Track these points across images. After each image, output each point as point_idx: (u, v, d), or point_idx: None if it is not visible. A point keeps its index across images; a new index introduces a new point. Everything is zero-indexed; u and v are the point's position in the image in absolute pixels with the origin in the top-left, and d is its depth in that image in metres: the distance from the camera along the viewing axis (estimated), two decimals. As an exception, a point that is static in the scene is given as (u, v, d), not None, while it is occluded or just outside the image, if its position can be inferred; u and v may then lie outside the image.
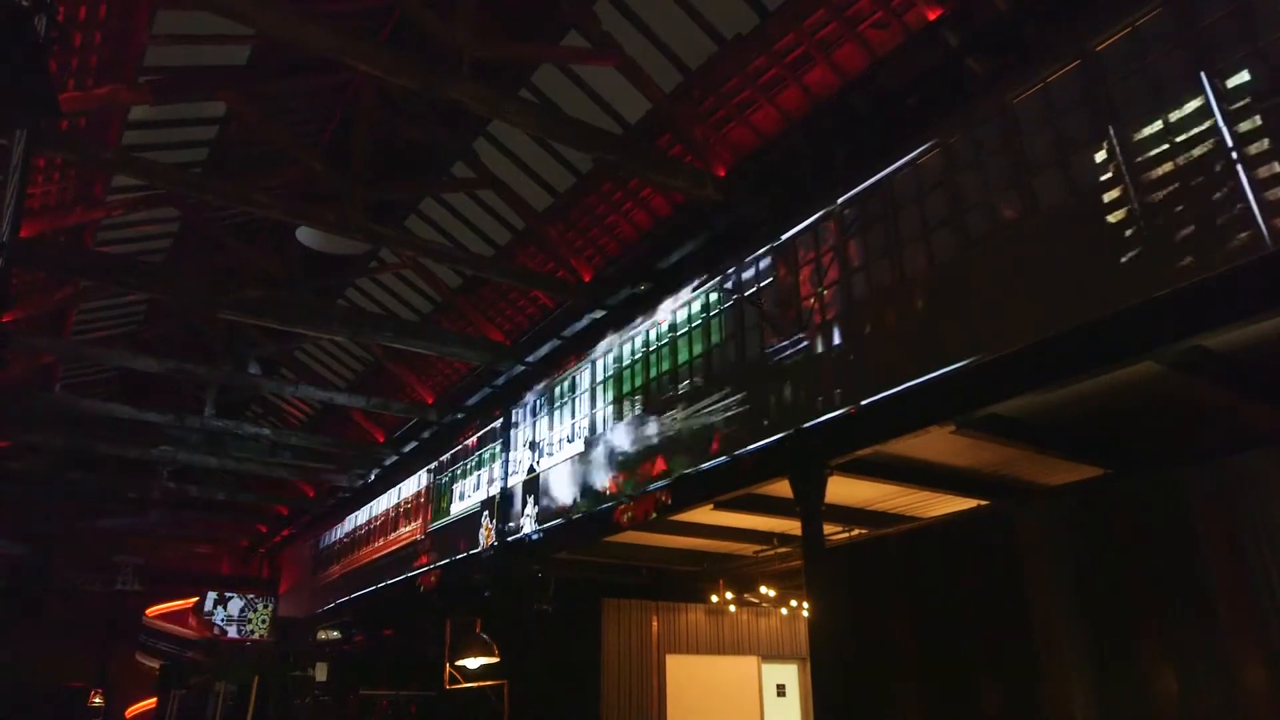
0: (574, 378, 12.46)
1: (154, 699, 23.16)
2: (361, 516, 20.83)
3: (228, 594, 25.53)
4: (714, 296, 10.07)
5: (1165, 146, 6.07)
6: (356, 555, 20.51)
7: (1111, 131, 6.41)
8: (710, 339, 10.03)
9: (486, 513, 14.26)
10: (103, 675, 24.29)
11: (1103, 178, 6.40)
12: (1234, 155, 5.67)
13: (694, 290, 10.22)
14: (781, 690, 16.86)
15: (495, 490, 14.09)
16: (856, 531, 11.42)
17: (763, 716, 16.18)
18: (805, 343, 8.68)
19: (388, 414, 17.41)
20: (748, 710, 16.09)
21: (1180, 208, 5.91)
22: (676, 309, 10.47)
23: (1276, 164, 5.50)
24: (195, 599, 25.49)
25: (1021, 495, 9.70)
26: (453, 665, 13.89)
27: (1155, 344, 6.00)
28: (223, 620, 25.03)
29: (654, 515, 10.30)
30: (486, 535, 14.06)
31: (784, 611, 16.84)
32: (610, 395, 11.55)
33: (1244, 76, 5.78)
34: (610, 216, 11.73)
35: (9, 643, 23.58)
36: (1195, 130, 5.92)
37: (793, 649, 17.07)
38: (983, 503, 9.80)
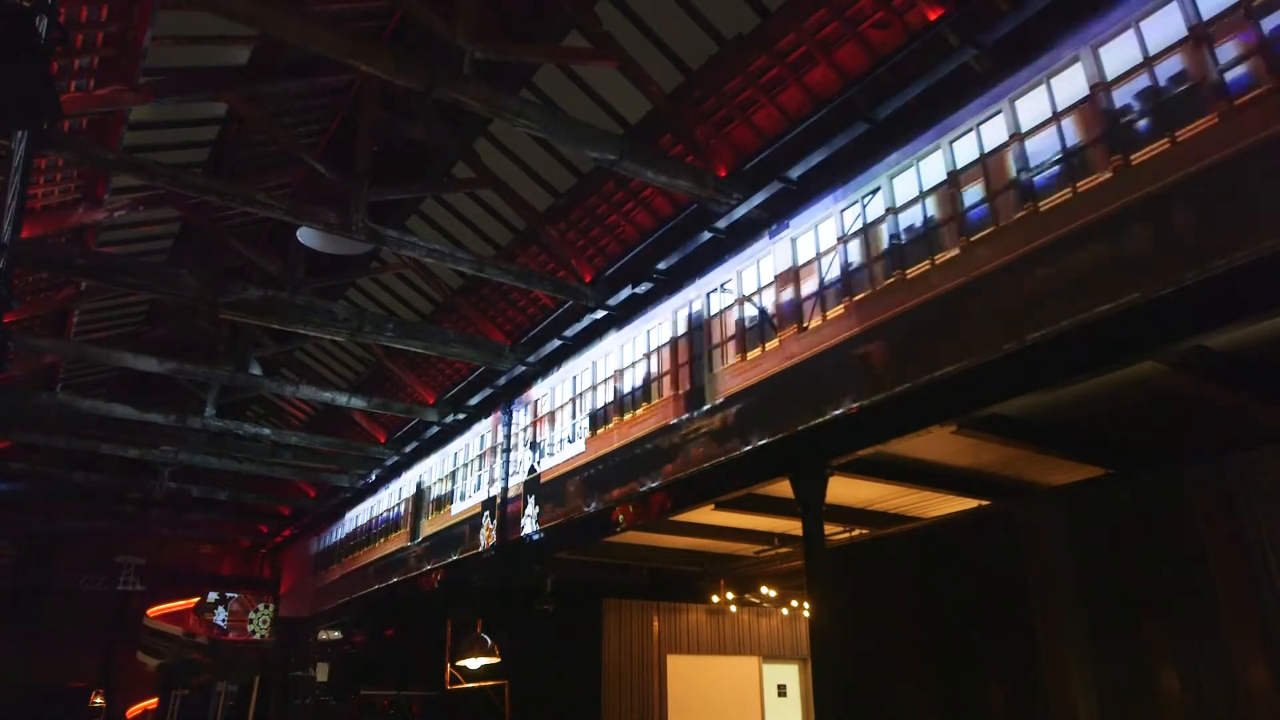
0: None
1: (155, 699, 23.18)
2: (363, 517, 20.83)
3: (229, 594, 25.53)
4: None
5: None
6: (358, 555, 20.51)
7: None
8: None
9: (487, 513, 14.26)
10: (104, 675, 24.29)
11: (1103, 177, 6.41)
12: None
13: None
14: (782, 690, 16.86)
15: (496, 490, 14.09)
16: (857, 531, 11.42)
17: (764, 717, 16.19)
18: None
19: (388, 414, 17.42)
20: (749, 710, 16.09)
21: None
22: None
23: None
24: (196, 599, 25.51)
25: (1023, 495, 9.70)
26: (454, 665, 13.91)
27: (1157, 343, 6.00)
28: (223, 620, 25.03)
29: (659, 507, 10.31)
30: (487, 536, 14.06)
31: (785, 612, 16.85)
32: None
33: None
34: (611, 216, 11.73)
35: (10, 643, 23.59)
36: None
37: (793, 649, 17.07)
38: (984, 503, 9.80)
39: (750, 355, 9.43)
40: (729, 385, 9.62)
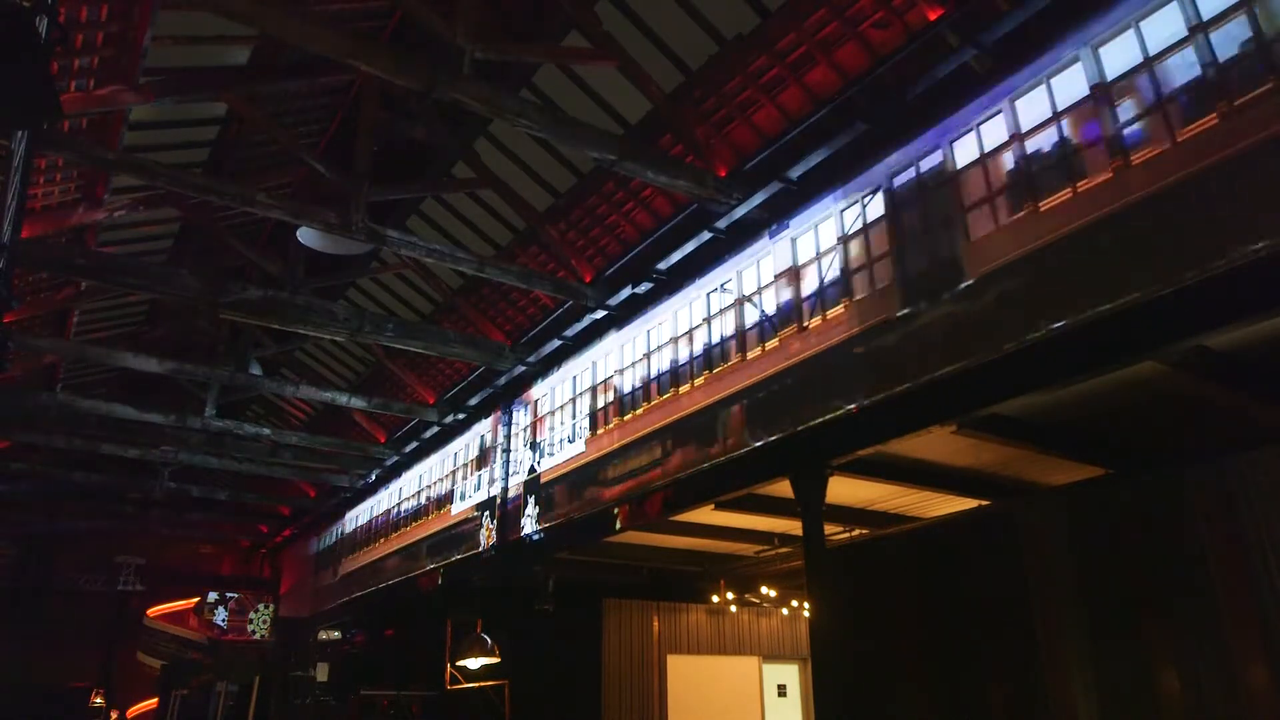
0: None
1: (155, 699, 23.19)
2: (362, 517, 20.80)
3: (229, 594, 25.54)
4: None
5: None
6: (358, 555, 20.47)
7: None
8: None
9: (487, 513, 14.26)
10: (104, 675, 24.29)
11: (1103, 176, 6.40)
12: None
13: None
14: (782, 690, 16.86)
15: (496, 490, 14.09)
16: (857, 531, 11.41)
17: (764, 717, 16.18)
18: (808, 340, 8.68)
19: (388, 414, 17.41)
20: (749, 710, 16.09)
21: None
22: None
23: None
24: (196, 599, 25.51)
25: (1023, 495, 9.70)
26: (454, 665, 13.90)
27: (1157, 343, 6.00)
28: (223, 620, 25.04)
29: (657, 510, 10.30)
30: (487, 536, 14.06)
31: (785, 612, 16.84)
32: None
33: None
34: (611, 216, 11.74)
35: (10, 643, 23.60)
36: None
37: (793, 649, 17.07)
38: (984, 503, 9.80)
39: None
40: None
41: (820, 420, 8.22)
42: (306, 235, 10.74)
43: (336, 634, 22.21)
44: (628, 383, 11.39)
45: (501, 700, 14.41)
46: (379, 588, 18.43)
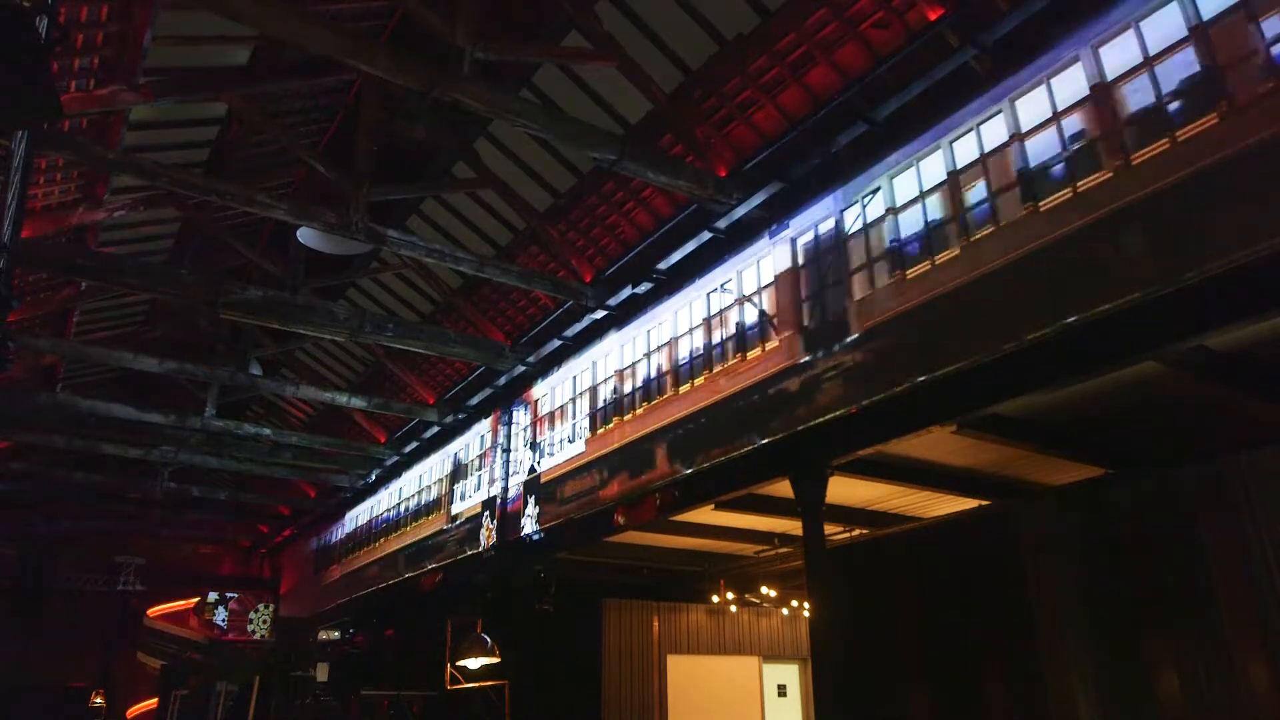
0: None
1: (155, 699, 23.19)
2: (363, 516, 20.79)
3: (229, 594, 25.53)
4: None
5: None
6: (358, 555, 20.46)
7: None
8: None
9: (487, 513, 14.26)
10: (104, 675, 24.30)
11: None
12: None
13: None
14: (782, 690, 16.87)
15: (496, 490, 14.09)
16: (857, 531, 11.42)
17: (764, 717, 16.19)
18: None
19: (388, 414, 17.41)
20: (749, 710, 16.09)
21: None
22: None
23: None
24: (196, 599, 25.50)
25: (1023, 495, 9.70)
26: (454, 665, 13.90)
27: (1157, 343, 6.00)
28: (223, 620, 25.03)
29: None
30: (487, 535, 14.06)
31: (785, 611, 16.85)
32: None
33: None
34: (611, 216, 11.74)
35: (10, 643, 23.59)
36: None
37: (794, 649, 17.07)
38: (984, 503, 9.80)
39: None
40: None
41: (820, 420, 8.22)
42: (306, 235, 10.73)
43: (336, 634, 22.21)
44: (627, 382, 11.39)
45: (501, 700, 14.40)
46: (379, 588, 18.42)
